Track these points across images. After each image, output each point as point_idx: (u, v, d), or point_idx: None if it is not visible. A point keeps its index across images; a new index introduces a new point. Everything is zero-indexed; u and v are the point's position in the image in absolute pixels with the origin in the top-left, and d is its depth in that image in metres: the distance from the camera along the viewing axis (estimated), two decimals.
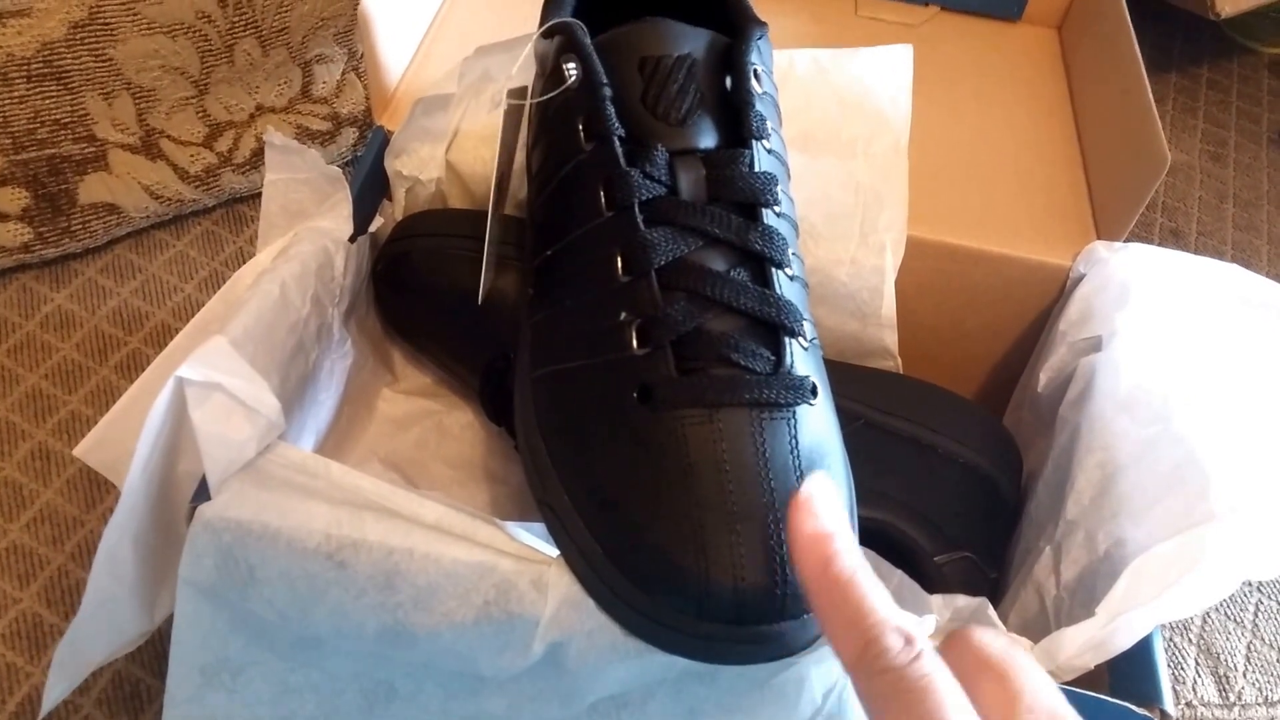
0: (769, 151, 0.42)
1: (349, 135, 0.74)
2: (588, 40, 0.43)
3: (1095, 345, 0.51)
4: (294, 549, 0.37)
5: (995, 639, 0.29)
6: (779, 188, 0.41)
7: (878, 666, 0.27)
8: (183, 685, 0.40)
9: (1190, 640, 0.61)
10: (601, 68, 0.42)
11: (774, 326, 0.38)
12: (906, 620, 0.28)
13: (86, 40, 0.61)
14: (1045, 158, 0.62)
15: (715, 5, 0.47)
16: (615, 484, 0.36)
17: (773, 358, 0.37)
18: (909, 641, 0.28)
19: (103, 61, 0.62)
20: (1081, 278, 0.55)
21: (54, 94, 0.62)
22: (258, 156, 0.71)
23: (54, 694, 0.38)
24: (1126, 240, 0.56)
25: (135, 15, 0.61)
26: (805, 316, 0.39)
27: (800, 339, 0.38)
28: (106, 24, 0.61)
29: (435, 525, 0.37)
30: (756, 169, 0.40)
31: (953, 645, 0.29)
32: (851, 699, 0.36)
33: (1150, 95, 0.55)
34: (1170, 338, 0.49)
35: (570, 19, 0.44)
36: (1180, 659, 0.60)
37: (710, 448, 0.35)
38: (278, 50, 0.68)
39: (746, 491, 0.34)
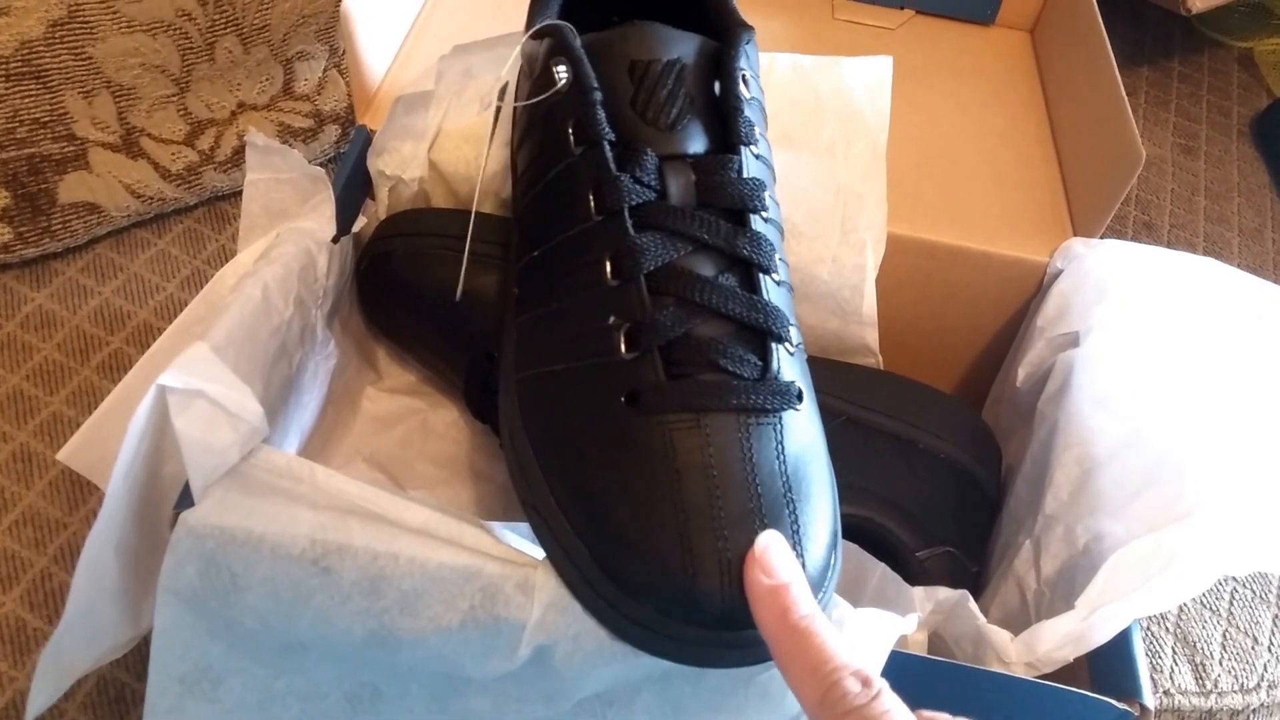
0: (757, 157, 0.42)
1: (331, 132, 0.74)
2: (578, 44, 0.43)
3: (1073, 341, 0.52)
4: (278, 555, 0.36)
5: (941, 714, 0.31)
6: (766, 193, 0.41)
7: (839, 710, 0.29)
8: (163, 695, 0.39)
9: (1167, 629, 0.61)
10: (592, 71, 0.42)
11: (761, 332, 0.38)
12: (863, 662, 0.31)
13: (66, 38, 0.60)
14: (1021, 156, 0.63)
15: (700, 8, 0.47)
16: (602, 488, 0.36)
17: (760, 363, 0.37)
18: (866, 684, 0.30)
19: (82, 60, 0.62)
20: (1059, 274, 0.55)
21: (33, 93, 0.61)
22: (239, 154, 0.70)
23: (38, 703, 0.38)
24: (1102, 234, 0.56)
25: (115, 13, 0.61)
26: (792, 322, 0.39)
27: (787, 344, 0.38)
28: (86, 22, 0.60)
29: (421, 529, 0.37)
30: (745, 175, 0.41)
31: None
32: None
33: (1124, 95, 0.55)
34: (1146, 334, 0.50)
35: (560, 21, 0.44)
36: (1158, 648, 0.60)
37: (698, 453, 0.35)
38: (259, 48, 0.68)
39: (733, 497, 0.34)
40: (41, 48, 0.60)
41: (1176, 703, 0.59)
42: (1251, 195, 0.88)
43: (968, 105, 0.66)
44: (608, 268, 0.39)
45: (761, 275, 0.39)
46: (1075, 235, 0.57)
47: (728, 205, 0.40)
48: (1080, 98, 0.62)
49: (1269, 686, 0.60)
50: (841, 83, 0.56)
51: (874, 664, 0.36)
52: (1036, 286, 0.57)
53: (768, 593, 0.32)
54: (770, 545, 0.33)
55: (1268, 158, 0.91)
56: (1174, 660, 0.60)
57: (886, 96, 0.56)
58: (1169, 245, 0.83)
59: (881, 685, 0.30)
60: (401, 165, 0.55)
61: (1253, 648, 0.61)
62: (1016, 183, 0.61)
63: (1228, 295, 0.52)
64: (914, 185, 0.59)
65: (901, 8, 0.73)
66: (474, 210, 0.51)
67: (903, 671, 0.31)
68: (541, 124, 0.43)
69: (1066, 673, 0.41)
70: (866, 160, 0.55)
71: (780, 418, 0.36)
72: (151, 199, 0.68)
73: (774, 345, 0.38)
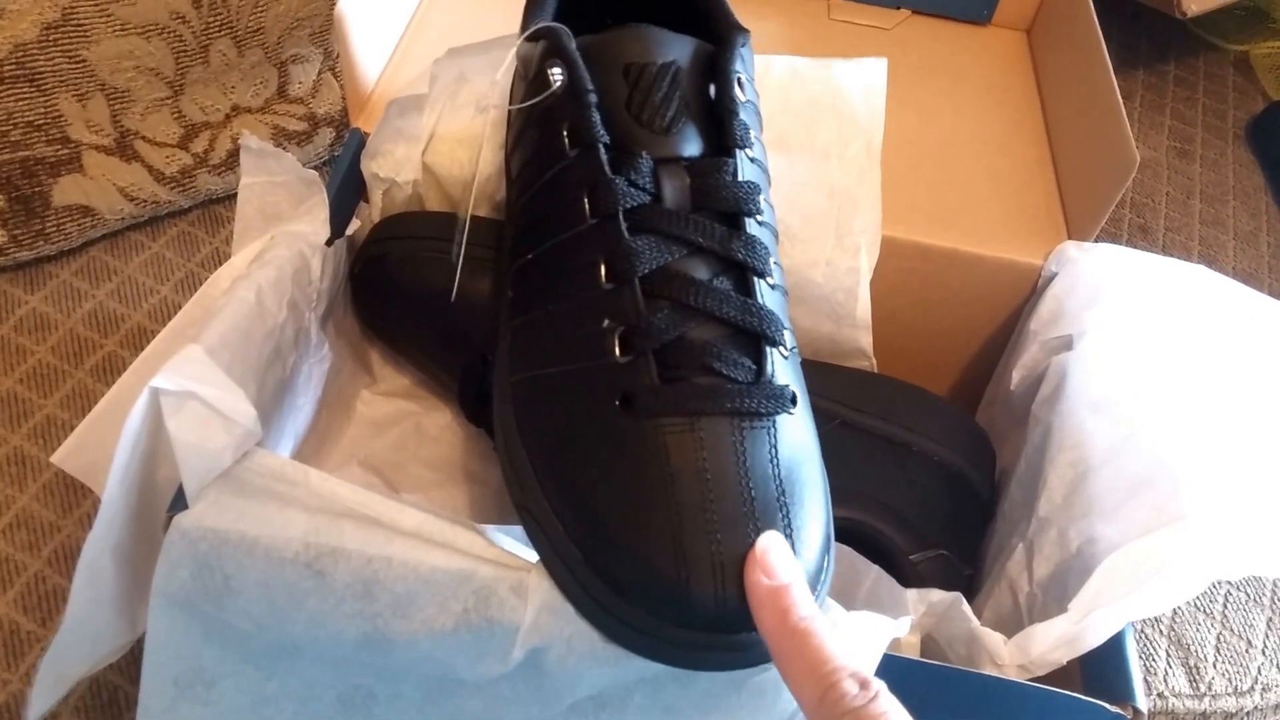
0: (752, 160, 0.42)
1: (325, 135, 0.74)
2: (574, 46, 0.42)
3: (1066, 344, 0.52)
4: (271, 558, 0.36)
5: None
6: (761, 196, 0.41)
7: (838, 711, 0.30)
8: (157, 698, 0.39)
9: (1161, 632, 0.61)
10: (587, 74, 0.42)
11: (755, 336, 0.38)
12: (861, 664, 0.31)
13: (60, 41, 0.60)
14: (1016, 158, 0.63)
15: (696, 10, 0.47)
16: (595, 491, 0.36)
17: (754, 367, 0.37)
18: (864, 685, 0.30)
19: (76, 63, 0.61)
20: (1053, 277, 0.55)
21: (27, 96, 0.61)
22: (234, 157, 0.70)
23: (37, 708, 0.38)
24: (1096, 236, 0.56)
25: (109, 16, 0.61)
26: (786, 326, 0.39)
27: (781, 348, 0.38)
28: (80, 25, 0.60)
29: (414, 532, 0.37)
30: (740, 178, 0.40)
31: None
32: None
33: (1119, 97, 0.55)
34: (1140, 338, 0.50)
35: (555, 24, 0.44)
36: (1151, 650, 0.60)
37: (691, 456, 0.35)
38: (253, 50, 0.68)
39: (727, 500, 0.34)
40: (35, 50, 0.60)
41: (1170, 705, 0.59)
42: (1247, 199, 0.88)
43: (963, 106, 0.66)
44: (602, 271, 0.39)
45: (756, 279, 0.39)
46: (1069, 238, 0.57)
47: (722, 209, 0.40)
48: (1076, 100, 0.62)
49: (1262, 689, 0.60)
50: (836, 85, 0.56)
51: (869, 666, 0.36)
52: (1030, 289, 0.57)
53: (768, 594, 0.32)
54: (771, 546, 0.33)
55: (1263, 161, 0.92)
56: (1168, 663, 0.60)
57: (881, 99, 0.56)
58: (1164, 249, 0.83)
59: (879, 687, 0.30)
60: (395, 168, 0.55)
61: (1246, 650, 0.61)
62: (1011, 185, 0.61)
63: (1220, 301, 0.52)
64: (908, 188, 0.59)
65: (897, 7, 0.73)
66: (469, 214, 0.51)
67: (896, 674, 0.31)
68: (536, 127, 0.43)
69: (1059, 675, 0.41)
70: (861, 163, 0.55)
71: (774, 421, 0.36)
72: (145, 202, 0.68)
73: (768, 349, 0.38)
